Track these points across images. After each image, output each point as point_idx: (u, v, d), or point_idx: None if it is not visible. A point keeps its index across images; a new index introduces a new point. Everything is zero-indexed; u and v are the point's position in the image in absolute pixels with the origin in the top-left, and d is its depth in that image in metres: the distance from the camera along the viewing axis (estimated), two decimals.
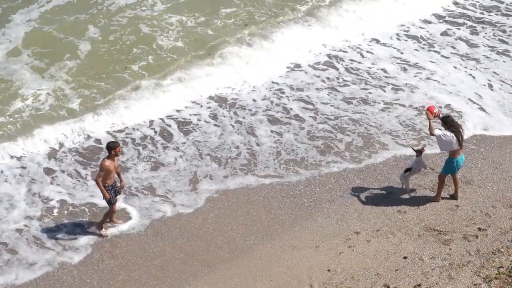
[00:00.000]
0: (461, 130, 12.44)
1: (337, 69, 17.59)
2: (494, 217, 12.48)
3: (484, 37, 19.03)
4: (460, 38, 18.97)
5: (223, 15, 19.00)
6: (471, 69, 17.59)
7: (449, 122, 12.47)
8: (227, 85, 16.66)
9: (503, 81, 17.01)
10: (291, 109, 16.04)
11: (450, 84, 16.97)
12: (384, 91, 16.68)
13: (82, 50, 17.43)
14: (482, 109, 15.94)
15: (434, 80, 17.19)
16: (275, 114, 15.85)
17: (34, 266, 11.81)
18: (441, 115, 12.70)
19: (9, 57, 17.13)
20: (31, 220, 12.74)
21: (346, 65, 17.75)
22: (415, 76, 17.32)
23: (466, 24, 19.62)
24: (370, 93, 16.62)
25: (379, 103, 16.25)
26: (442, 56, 18.20)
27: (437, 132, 12.33)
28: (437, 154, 14.32)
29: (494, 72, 17.44)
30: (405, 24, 19.58)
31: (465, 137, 13.30)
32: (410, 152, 14.36)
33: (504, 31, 19.30)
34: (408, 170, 12.99)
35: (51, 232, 12.49)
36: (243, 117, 15.69)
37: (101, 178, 11.75)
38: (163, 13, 18.95)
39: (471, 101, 16.27)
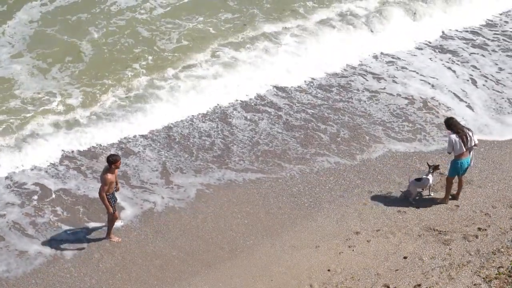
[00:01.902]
0: (465, 131, 12.42)
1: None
2: (494, 217, 12.48)
3: (456, 29, 19.08)
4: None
5: (222, 18, 18.96)
6: (447, 62, 17.62)
7: (451, 124, 12.48)
8: (227, 87, 16.63)
9: (486, 77, 17.02)
10: (264, 96, 16.05)
11: (430, 76, 17.02)
12: (366, 80, 16.66)
13: (83, 51, 17.40)
14: (470, 107, 15.96)
15: (412, 71, 17.21)
16: (248, 101, 15.91)
17: (31, 260, 11.85)
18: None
19: (12, 58, 17.14)
20: (31, 216, 12.77)
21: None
22: (390, 66, 17.32)
23: None
24: (351, 81, 16.59)
25: (362, 91, 16.20)
26: (415, 47, 18.28)
27: (449, 148, 12.46)
28: (436, 154, 14.35)
29: (474, 66, 17.46)
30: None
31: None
32: (405, 148, 14.42)
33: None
34: (419, 179, 12.97)
35: (52, 232, 12.52)
36: (217, 103, 15.83)
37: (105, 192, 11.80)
38: (163, 15, 18.93)
39: (457, 97, 16.30)
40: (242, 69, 17.11)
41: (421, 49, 18.33)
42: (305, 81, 16.79)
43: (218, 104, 16.00)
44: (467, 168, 12.68)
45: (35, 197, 13.23)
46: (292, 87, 16.62)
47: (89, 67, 16.91)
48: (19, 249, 12.11)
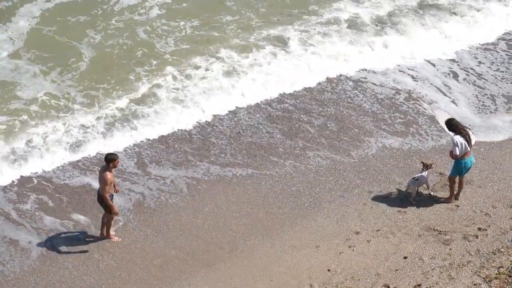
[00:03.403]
0: (468, 130, 12.43)
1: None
2: (494, 217, 12.48)
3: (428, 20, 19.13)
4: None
5: (222, 22, 18.86)
6: None
7: (453, 125, 12.47)
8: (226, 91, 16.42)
9: (467, 71, 17.01)
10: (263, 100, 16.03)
11: (408, 68, 17.05)
12: (343, 66, 16.78)
13: (83, 53, 17.33)
14: (454, 102, 16.03)
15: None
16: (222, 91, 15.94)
17: (31, 259, 11.86)
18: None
19: (12, 59, 17.10)
20: (31, 215, 12.79)
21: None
22: (361, 53, 17.40)
23: None
24: (332, 68, 16.63)
25: (344, 81, 16.20)
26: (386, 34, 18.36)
27: (456, 151, 12.34)
28: (435, 153, 14.35)
29: (452, 59, 17.46)
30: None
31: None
32: (399, 143, 14.44)
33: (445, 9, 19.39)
34: (416, 178, 12.97)
35: (53, 231, 12.52)
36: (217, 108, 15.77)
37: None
38: (162, 17, 18.83)
39: (441, 91, 16.34)
40: (242, 74, 16.87)
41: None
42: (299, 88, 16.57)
43: (218, 109, 15.83)
44: (470, 167, 12.67)
45: (41, 196, 13.26)
46: (286, 93, 16.38)
47: (90, 70, 16.81)
48: (20, 248, 12.14)
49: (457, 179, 12.85)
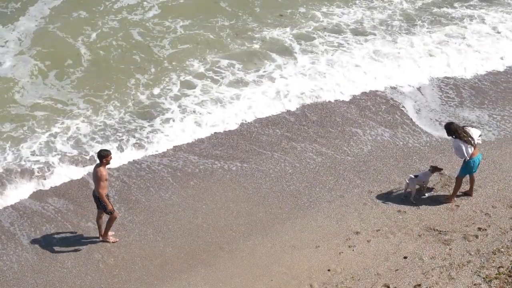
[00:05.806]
0: (467, 132, 12.40)
1: None
2: (494, 217, 12.48)
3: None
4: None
5: (219, 26, 18.87)
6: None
7: (452, 130, 12.44)
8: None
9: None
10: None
11: (382, 55, 17.46)
12: (312, 51, 17.22)
13: (88, 57, 17.35)
14: (420, 91, 16.35)
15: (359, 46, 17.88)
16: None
17: (31, 259, 11.87)
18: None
19: (14, 60, 17.13)
20: (33, 217, 12.79)
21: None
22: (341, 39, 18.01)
23: None
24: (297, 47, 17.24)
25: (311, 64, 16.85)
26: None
27: (463, 154, 12.36)
28: (434, 152, 14.36)
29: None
30: None
31: None
32: (390, 136, 14.46)
33: None
34: (416, 176, 12.95)
35: (54, 232, 12.53)
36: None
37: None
38: (159, 19, 18.93)
39: (410, 85, 16.70)
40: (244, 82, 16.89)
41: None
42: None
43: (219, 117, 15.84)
44: (479, 164, 12.67)
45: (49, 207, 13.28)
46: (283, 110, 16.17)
47: (92, 75, 16.84)
48: (22, 249, 12.17)
49: (465, 178, 12.87)
